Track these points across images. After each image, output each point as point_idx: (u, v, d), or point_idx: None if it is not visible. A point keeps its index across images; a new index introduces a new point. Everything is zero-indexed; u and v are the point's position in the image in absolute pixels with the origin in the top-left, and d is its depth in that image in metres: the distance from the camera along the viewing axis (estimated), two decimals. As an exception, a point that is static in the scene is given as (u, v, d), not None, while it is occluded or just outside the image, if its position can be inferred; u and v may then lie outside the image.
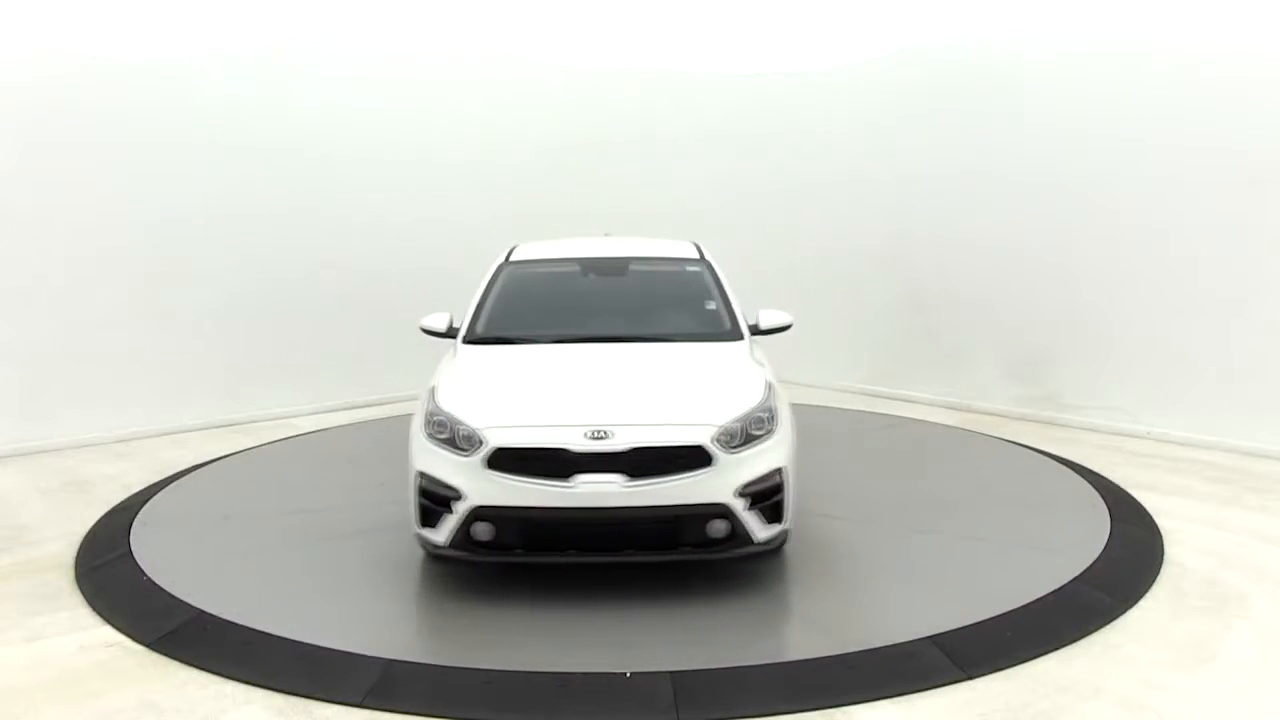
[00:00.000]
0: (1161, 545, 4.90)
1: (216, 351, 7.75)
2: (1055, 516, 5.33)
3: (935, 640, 3.75)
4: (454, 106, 8.85)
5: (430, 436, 4.23)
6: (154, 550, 4.83)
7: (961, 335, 8.39)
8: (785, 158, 9.46)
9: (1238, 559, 4.72)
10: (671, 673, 3.52)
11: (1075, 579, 4.36)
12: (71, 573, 4.65)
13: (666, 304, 5.59)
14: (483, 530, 4.09)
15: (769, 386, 4.46)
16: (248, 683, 3.53)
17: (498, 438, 4.05)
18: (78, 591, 4.42)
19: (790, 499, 4.25)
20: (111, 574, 4.59)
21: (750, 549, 4.15)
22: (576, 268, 5.92)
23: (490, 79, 9.06)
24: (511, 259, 5.90)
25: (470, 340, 5.14)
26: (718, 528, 4.09)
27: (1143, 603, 4.20)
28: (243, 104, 7.83)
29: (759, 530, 4.13)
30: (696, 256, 5.73)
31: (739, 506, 4.06)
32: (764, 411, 4.28)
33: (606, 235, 6.46)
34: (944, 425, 7.55)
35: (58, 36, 7.08)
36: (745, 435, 4.16)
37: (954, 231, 8.35)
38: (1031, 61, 7.78)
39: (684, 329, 5.21)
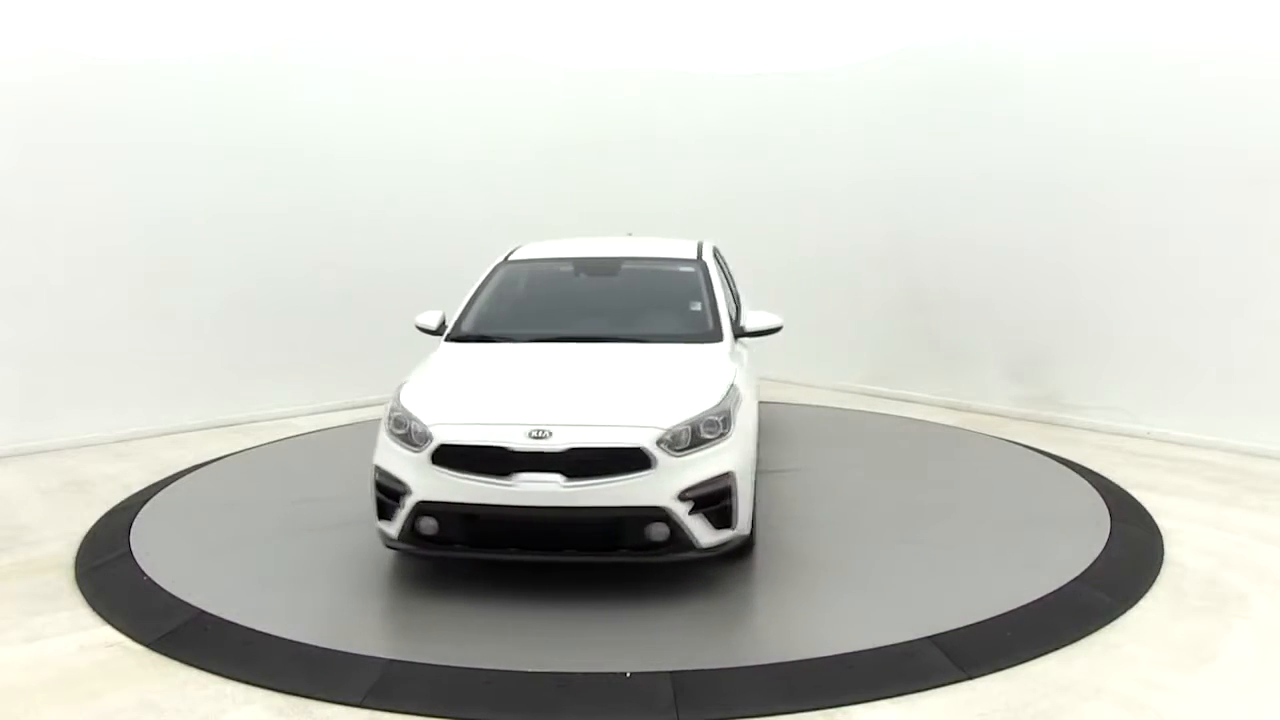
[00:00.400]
0: (1161, 545, 4.90)
1: (216, 351, 7.75)
2: (1055, 516, 5.33)
3: (935, 640, 3.75)
4: (454, 106, 8.85)
5: (390, 433, 4.33)
6: (154, 550, 4.83)
7: (961, 335, 8.39)
8: (785, 158, 9.46)
9: (1238, 559, 4.72)
10: (671, 673, 3.52)
11: (1075, 579, 4.36)
12: (71, 573, 4.65)
13: (650, 305, 5.59)
14: (428, 525, 4.17)
15: (730, 390, 4.40)
16: (248, 683, 3.53)
17: (443, 434, 4.13)
18: (78, 591, 4.42)
19: (742, 504, 4.18)
20: (111, 574, 4.59)
21: (693, 554, 4.09)
22: (570, 268, 5.95)
23: (490, 79, 9.06)
24: (510, 258, 5.94)
25: (452, 338, 5.25)
26: (657, 531, 4.04)
27: (1143, 603, 4.20)
28: (243, 104, 7.83)
29: (703, 535, 4.06)
30: (692, 257, 5.69)
31: (680, 511, 4.00)
32: (718, 415, 4.21)
33: (629, 235, 6.51)
34: (944, 425, 7.55)
35: (58, 37, 7.08)
36: (695, 439, 4.11)
37: (954, 231, 8.35)
38: (1032, 61, 7.78)
39: (662, 330, 5.18)
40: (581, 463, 4.01)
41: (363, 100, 8.43)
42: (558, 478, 4.01)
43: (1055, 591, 4.22)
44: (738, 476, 4.14)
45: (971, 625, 3.88)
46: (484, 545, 4.21)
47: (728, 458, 4.13)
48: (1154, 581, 4.43)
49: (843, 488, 5.98)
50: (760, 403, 5.34)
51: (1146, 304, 7.21)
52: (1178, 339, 7.04)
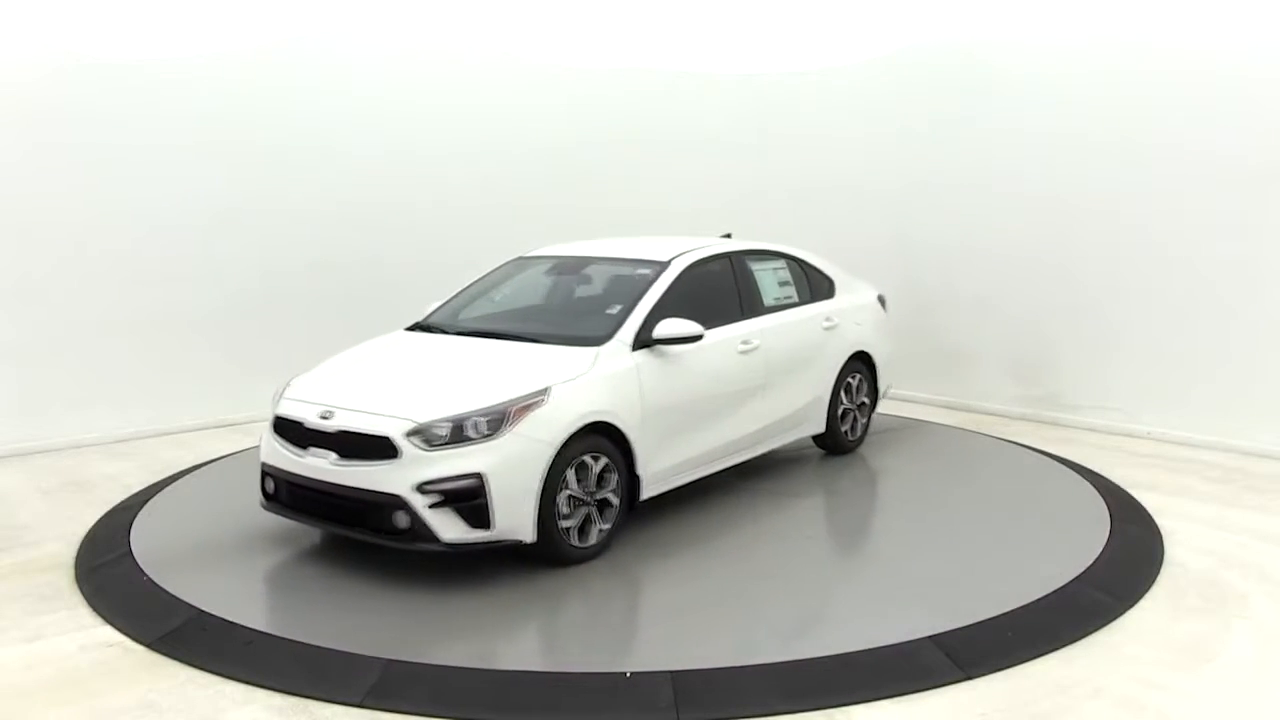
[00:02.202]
0: (1161, 545, 4.90)
1: (216, 351, 7.75)
2: (1055, 516, 5.33)
3: (935, 640, 3.75)
4: (455, 107, 8.84)
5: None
6: (154, 550, 4.83)
7: (961, 335, 8.39)
8: (785, 158, 9.46)
9: (1238, 559, 4.72)
10: (671, 673, 3.51)
11: (1075, 579, 4.36)
12: (71, 573, 4.65)
13: (575, 305, 5.67)
14: (268, 485, 4.80)
15: (535, 394, 4.38)
16: (248, 683, 3.53)
17: (278, 406, 4.78)
18: (78, 591, 4.42)
19: (501, 507, 4.21)
20: (111, 574, 4.59)
21: (434, 547, 4.23)
22: (548, 267, 6.03)
23: (490, 79, 9.05)
24: (519, 257, 6.10)
25: (410, 326, 5.61)
26: (400, 519, 4.24)
27: (1143, 603, 4.20)
28: (243, 104, 7.82)
29: (446, 530, 4.20)
30: (661, 260, 5.46)
31: (418, 502, 4.17)
32: (488, 416, 4.27)
33: (728, 236, 6.54)
34: (944, 425, 7.55)
35: (58, 37, 7.07)
36: (457, 435, 4.23)
37: (954, 231, 8.35)
38: (1032, 61, 7.78)
39: (553, 330, 5.17)
40: (348, 445, 4.37)
41: (363, 100, 8.42)
42: (333, 455, 4.40)
43: (1055, 591, 4.22)
44: (491, 477, 4.18)
45: (971, 625, 3.88)
46: (291, 509, 4.72)
47: (483, 459, 4.20)
48: (1154, 581, 4.43)
49: (842, 487, 5.98)
50: None
51: (1147, 304, 7.21)
52: (1178, 339, 7.04)
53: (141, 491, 5.91)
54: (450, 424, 4.25)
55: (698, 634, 3.88)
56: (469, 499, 4.20)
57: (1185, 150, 6.89)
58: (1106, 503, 5.48)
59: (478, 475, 4.18)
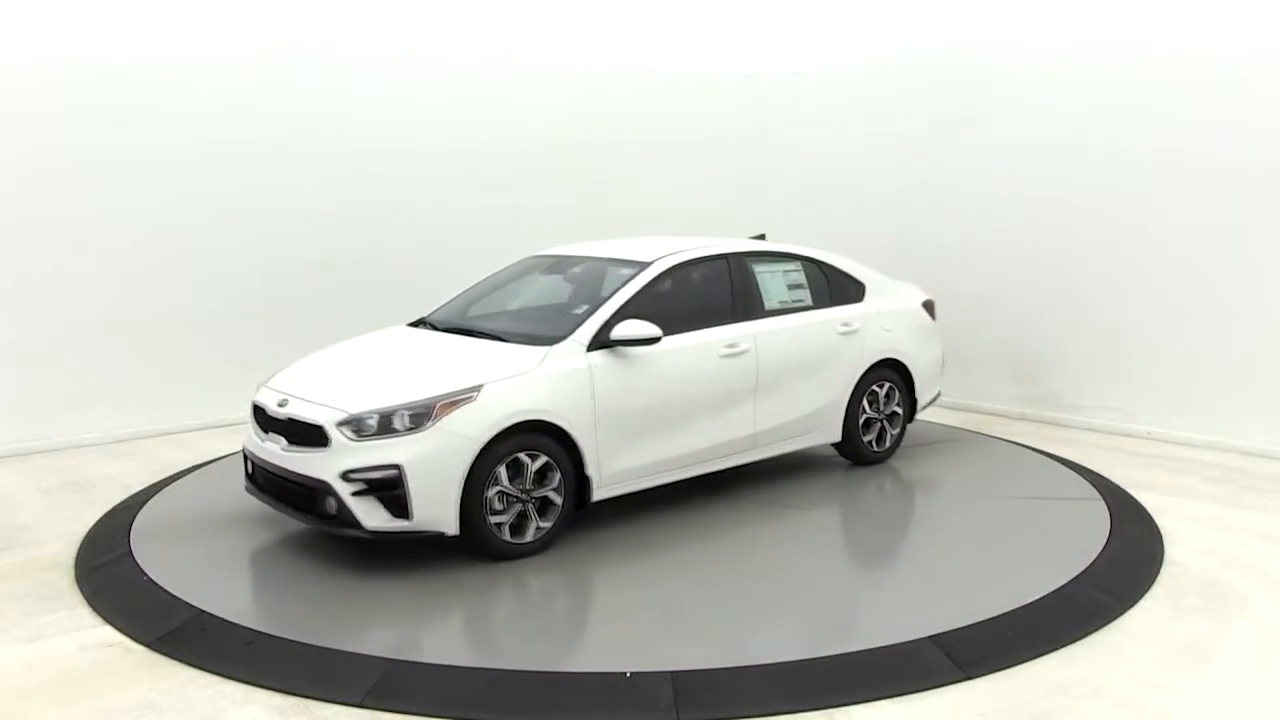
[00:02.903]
0: (1161, 545, 4.90)
1: (216, 351, 7.75)
2: (1055, 516, 5.33)
3: (935, 640, 3.75)
4: (455, 107, 8.84)
5: None
6: (154, 550, 4.83)
7: (961, 335, 8.37)
8: (785, 158, 9.46)
9: (1238, 559, 4.72)
10: (671, 673, 3.52)
11: (1075, 579, 4.36)
12: (71, 573, 4.65)
13: (548, 305, 5.69)
14: (247, 466, 5.05)
15: (465, 391, 4.47)
16: (248, 683, 3.53)
17: (256, 393, 5.01)
18: (78, 591, 4.42)
19: (420, 498, 4.35)
20: (111, 574, 4.59)
21: (359, 533, 4.43)
22: (549, 265, 6.06)
23: (491, 79, 9.05)
24: (535, 253, 6.17)
25: (410, 322, 5.75)
26: (329, 504, 4.45)
27: (1143, 603, 4.20)
28: (243, 104, 7.82)
29: (368, 518, 4.39)
30: (643, 260, 5.45)
31: (343, 489, 4.37)
32: (411, 410, 4.41)
33: (762, 236, 6.52)
34: (944, 425, 7.55)
35: (59, 37, 7.07)
36: (384, 427, 4.40)
37: (954, 231, 8.35)
38: (1032, 61, 7.78)
39: (520, 329, 5.23)
40: (295, 432, 4.62)
41: (363, 100, 8.42)
42: (283, 441, 4.67)
43: (1055, 591, 4.22)
44: (409, 469, 4.32)
45: (971, 625, 3.88)
46: (262, 491, 4.96)
47: (403, 451, 4.35)
48: (1154, 581, 4.44)
49: (841, 487, 5.97)
50: None
51: (1147, 303, 7.21)
52: (1178, 339, 7.04)
53: (141, 491, 5.91)
54: (379, 416, 4.41)
55: (698, 634, 3.87)
56: (389, 489, 4.36)
57: (1185, 150, 6.89)
58: (1106, 503, 5.48)
59: (396, 467, 4.33)
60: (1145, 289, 7.21)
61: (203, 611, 4.08)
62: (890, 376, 6.33)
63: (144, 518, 5.36)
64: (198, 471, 6.38)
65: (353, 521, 4.40)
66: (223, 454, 6.75)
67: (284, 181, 8.03)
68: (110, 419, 7.27)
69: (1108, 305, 7.44)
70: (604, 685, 3.48)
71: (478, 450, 4.43)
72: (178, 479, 6.18)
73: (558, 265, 6.01)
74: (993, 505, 5.59)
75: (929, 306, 6.80)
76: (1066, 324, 7.69)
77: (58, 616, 4.15)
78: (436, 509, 4.40)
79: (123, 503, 5.70)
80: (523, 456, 4.59)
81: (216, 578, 4.52)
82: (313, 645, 3.77)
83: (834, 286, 6.21)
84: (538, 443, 4.65)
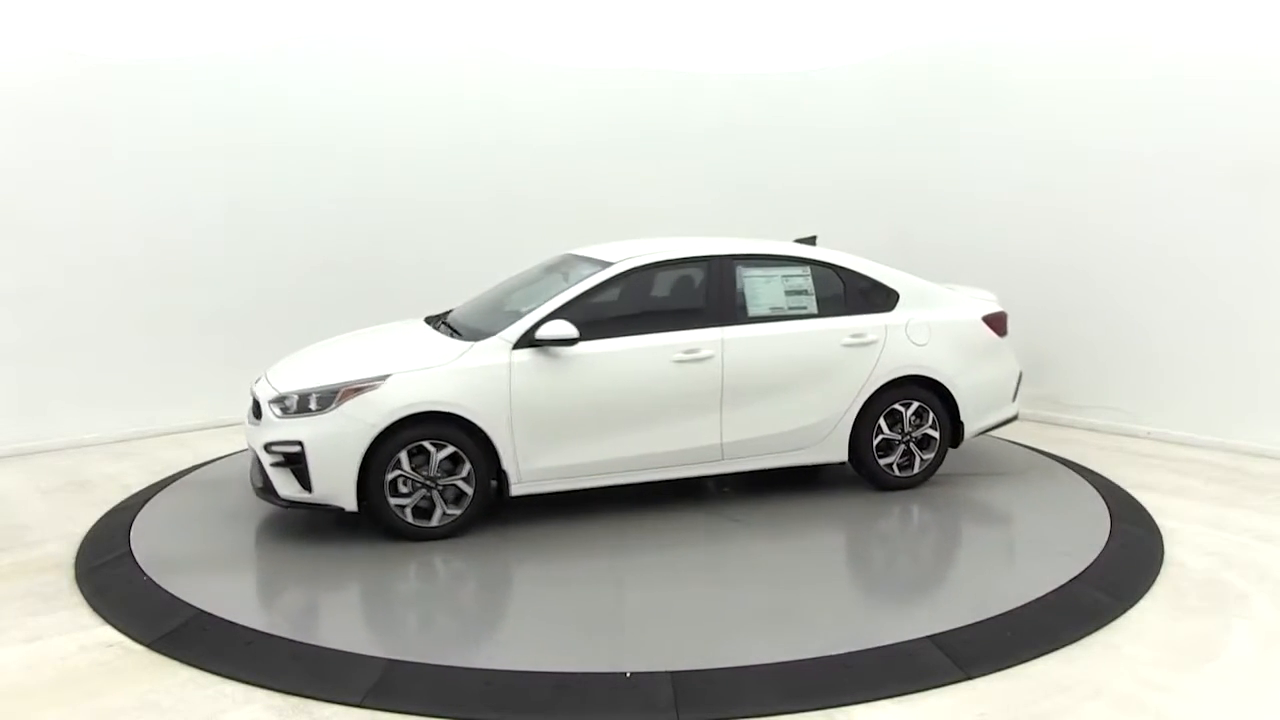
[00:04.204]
0: (1162, 545, 4.90)
1: (216, 351, 7.75)
2: (1055, 516, 5.33)
3: (935, 640, 3.75)
4: (456, 107, 8.84)
5: None
6: (154, 550, 4.83)
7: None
8: (785, 158, 9.46)
9: (1238, 559, 4.72)
10: (671, 673, 3.51)
11: (1075, 579, 4.36)
12: (71, 573, 4.65)
13: (518, 303, 5.61)
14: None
15: (373, 380, 4.80)
16: (248, 683, 3.53)
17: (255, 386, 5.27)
18: (78, 591, 4.42)
19: (318, 473, 4.73)
20: (111, 574, 4.59)
21: (278, 502, 4.88)
22: (549, 265, 6.07)
23: (491, 79, 9.05)
24: (570, 252, 6.16)
25: (428, 318, 5.91)
26: (258, 475, 4.99)
27: (1143, 603, 4.20)
28: (244, 104, 7.82)
29: (282, 488, 4.83)
30: (608, 262, 5.42)
31: (265, 460, 4.83)
32: (319, 393, 4.82)
33: (813, 240, 6.25)
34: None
35: (59, 38, 7.07)
36: (302, 407, 4.82)
37: (954, 231, 8.35)
38: (1032, 61, 7.78)
39: (480, 327, 5.30)
40: (255, 408, 5.08)
41: (363, 100, 8.42)
42: (250, 416, 5.13)
43: (1055, 591, 4.22)
44: (309, 446, 4.72)
45: (971, 625, 3.88)
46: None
47: (307, 430, 4.75)
48: (1154, 581, 4.43)
49: (841, 486, 5.97)
50: None
51: (1147, 304, 7.21)
52: (1178, 339, 7.04)
53: (141, 491, 5.91)
54: (298, 396, 4.85)
55: (698, 634, 3.88)
56: (296, 462, 4.76)
57: (1185, 150, 6.89)
58: (1106, 503, 5.48)
59: (299, 443, 4.74)
60: (1145, 289, 7.21)
61: (203, 611, 4.08)
62: (920, 395, 5.70)
63: (144, 518, 5.36)
64: (197, 471, 6.38)
65: (272, 490, 4.85)
66: (223, 454, 6.75)
67: (284, 181, 8.03)
68: (110, 419, 7.27)
69: (1108, 305, 7.43)
70: (604, 685, 3.48)
71: (374, 435, 4.73)
72: (178, 479, 6.18)
73: (558, 265, 6.00)
74: (992, 505, 5.60)
75: (995, 321, 6.03)
76: (1067, 324, 7.68)
77: (58, 616, 4.15)
78: (333, 485, 4.76)
79: (123, 503, 5.70)
80: (428, 445, 4.81)
81: (216, 578, 4.52)
82: (313, 645, 3.77)
83: (853, 295, 5.73)
84: (445, 433, 4.84)
